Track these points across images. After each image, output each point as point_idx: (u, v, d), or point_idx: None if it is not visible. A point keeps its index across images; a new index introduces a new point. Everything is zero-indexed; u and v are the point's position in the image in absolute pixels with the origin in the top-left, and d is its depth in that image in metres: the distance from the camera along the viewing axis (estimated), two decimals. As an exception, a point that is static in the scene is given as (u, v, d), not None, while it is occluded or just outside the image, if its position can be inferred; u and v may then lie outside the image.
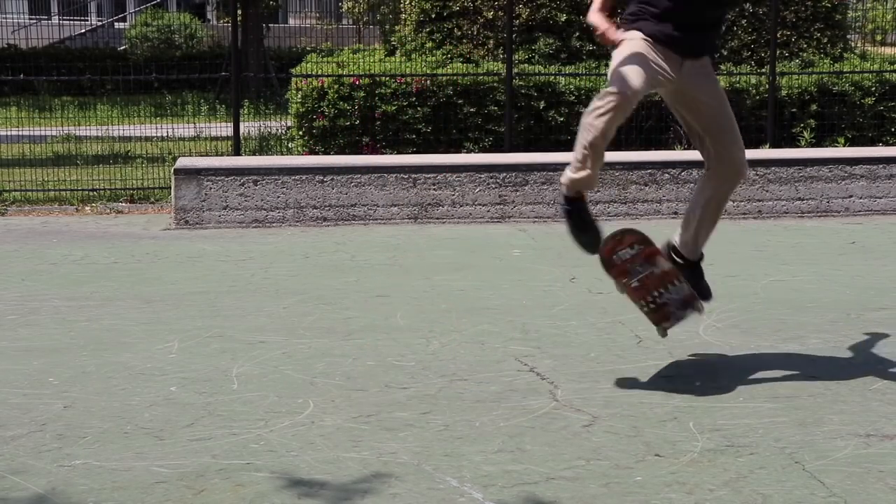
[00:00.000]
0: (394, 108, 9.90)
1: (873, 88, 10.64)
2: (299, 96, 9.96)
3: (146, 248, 7.48)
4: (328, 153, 9.87)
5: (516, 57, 10.32)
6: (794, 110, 10.55)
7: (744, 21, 11.05)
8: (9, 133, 11.38)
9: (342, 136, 9.94)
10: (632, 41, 4.27)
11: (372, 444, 3.70)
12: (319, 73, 10.13)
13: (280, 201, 8.57)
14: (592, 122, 4.17)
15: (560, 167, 9.05)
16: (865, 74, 10.67)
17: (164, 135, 11.42)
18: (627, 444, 3.69)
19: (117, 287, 6.28)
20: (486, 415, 4.01)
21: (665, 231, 8.53)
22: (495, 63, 10.42)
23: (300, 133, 10.06)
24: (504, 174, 8.83)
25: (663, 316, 4.51)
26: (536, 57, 10.67)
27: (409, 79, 9.98)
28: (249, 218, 8.54)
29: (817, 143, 10.46)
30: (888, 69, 10.89)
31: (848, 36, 12.21)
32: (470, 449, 3.66)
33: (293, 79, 10.29)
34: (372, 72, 10.06)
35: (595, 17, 4.32)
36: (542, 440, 3.74)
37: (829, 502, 3.22)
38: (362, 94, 9.85)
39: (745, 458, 3.57)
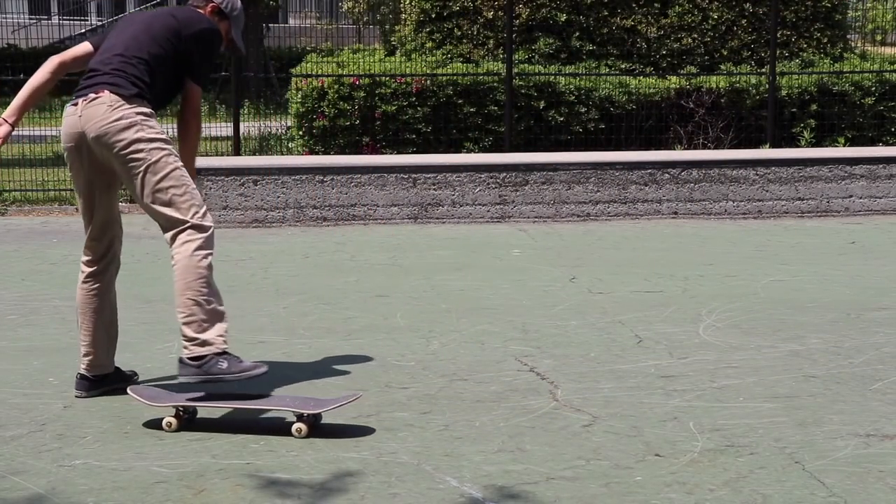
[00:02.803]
0: (394, 108, 9.90)
1: (873, 88, 10.64)
2: (299, 96, 9.96)
3: (146, 248, 7.48)
4: (328, 153, 9.87)
5: (516, 57, 10.32)
6: (794, 110, 10.55)
7: (744, 21, 11.05)
8: (9, 133, 11.36)
9: (342, 136, 9.94)
10: (165, 148, 3.95)
11: (372, 444, 3.70)
12: (319, 73, 10.13)
13: (280, 201, 8.57)
14: (203, 270, 3.87)
15: (560, 167, 9.14)
16: (865, 74, 10.67)
17: (164, 135, 11.39)
18: (627, 444, 3.69)
19: (117, 287, 6.26)
20: (486, 415, 4.01)
21: (665, 231, 8.59)
22: (495, 63, 10.42)
23: (300, 133, 10.06)
24: (504, 174, 8.83)
25: None
26: (536, 57, 10.67)
27: (409, 79, 9.98)
28: (249, 218, 8.55)
29: (817, 143, 10.45)
30: (888, 69, 10.88)
31: (848, 36, 12.20)
32: (470, 449, 3.66)
33: (293, 79, 10.29)
34: (372, 72, 10.06)
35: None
36: (542, 440, 3.74)
37: (829, 502, 3.22)
38: (362, 94, 9.85)
39: (745, 458, 3.57)
